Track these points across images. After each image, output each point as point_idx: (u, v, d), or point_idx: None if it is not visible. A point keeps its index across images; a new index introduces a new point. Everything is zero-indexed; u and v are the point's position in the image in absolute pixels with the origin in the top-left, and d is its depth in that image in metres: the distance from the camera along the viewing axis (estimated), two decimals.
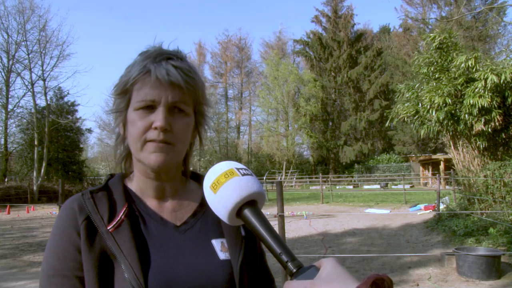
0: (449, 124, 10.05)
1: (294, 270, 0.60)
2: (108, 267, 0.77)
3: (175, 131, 0.82)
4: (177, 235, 0.85)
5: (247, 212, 0.65)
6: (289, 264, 0.61)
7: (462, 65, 9.60)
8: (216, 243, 0.86)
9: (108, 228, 0.79)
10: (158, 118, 0.80)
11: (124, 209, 0.83)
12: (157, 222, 0.85)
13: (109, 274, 0.77)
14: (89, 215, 0.80)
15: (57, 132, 29.67)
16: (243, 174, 0.67)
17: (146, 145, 0.81)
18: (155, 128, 0.80)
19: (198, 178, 0.98)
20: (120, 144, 0.90)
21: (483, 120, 9.39)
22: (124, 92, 0.84)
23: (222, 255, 0.85)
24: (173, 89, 0.81)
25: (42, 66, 27.48)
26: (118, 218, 0.81)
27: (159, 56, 0.82)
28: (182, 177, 0.94)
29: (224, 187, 0.65)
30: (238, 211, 0.66)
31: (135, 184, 0.90)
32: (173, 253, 0.82)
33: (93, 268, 0.76)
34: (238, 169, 0.68)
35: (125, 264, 0.76)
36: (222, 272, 0.82)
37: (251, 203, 0.66)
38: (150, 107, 0.81)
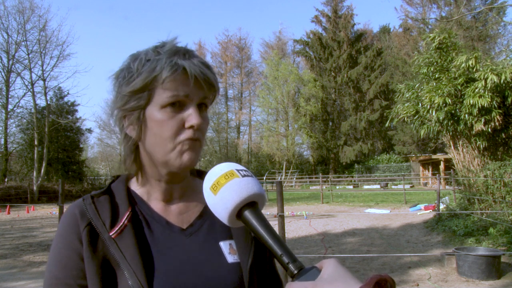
0: (449, 124, 10.05)
1: (295, 272, 0.60)
2: (111, 274, 0.75)
3: (202, 128, 0.80)
4: (183, 238, 0.82)
5: (247, 214, 0.65)
6: (290, 265, 0.60)
7: (462, 65, 9.60)
8: (224, 246, 0.83)
9: (111, 234, 0.76)
10: (193, 116, 0.77)
11: (128, 213, 0.80)
12: (162, 226, 0.82)
13: (113, 281, 0.75)
14: (90, 221, 0.77)
15: (57, 132, 29.67)
16: (243, 176, 0.67)
17: (179, 145, 0.78)
18: (191, 127, 0.77)
19: (203, 175, 0.93)
20: (130, 148, 0.83)
21: (483, 120, 9.38)
22: (144, 89, 0.77)
23: (231, 258, 0.82)
24: (206, 86, 0.78)
25: (42, 66, 27.49)
26: (121, 224, 0.78)
27: (187, 53, 0.78)
28: (189, 175, 0.91)
29: (224, 189, 0.65)
30: (238, 213, 0.65)
31: (140, 186, 0.86)
32: (179, 258, 0.79)
33: (96, 275, 0.74)
34: (238, 170, 0.67)
35: (128, 271, 0.73)
36: (231, 277, 0.79)
37: (252, 204, 0.66)
38: (179, 104, 0.77)
